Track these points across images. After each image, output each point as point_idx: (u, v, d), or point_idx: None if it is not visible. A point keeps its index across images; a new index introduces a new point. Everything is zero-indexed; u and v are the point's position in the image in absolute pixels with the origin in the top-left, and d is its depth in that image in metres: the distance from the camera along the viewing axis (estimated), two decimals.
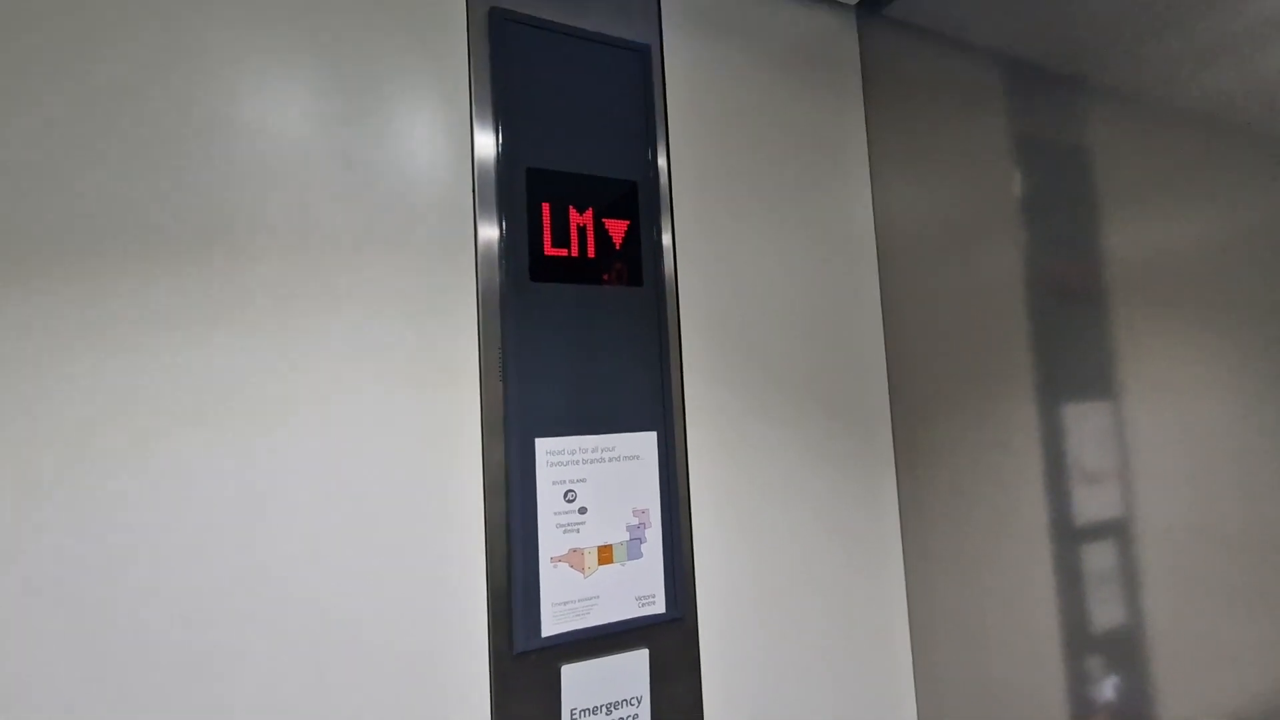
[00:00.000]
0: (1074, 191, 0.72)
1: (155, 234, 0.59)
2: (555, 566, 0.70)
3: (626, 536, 0.74)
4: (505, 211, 0.72)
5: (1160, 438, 0.65)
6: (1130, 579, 0.69)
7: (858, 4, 1.01)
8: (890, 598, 0.92)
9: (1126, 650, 0.69)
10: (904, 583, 0.94)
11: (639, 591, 0.74)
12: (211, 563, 0.58)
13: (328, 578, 0.62)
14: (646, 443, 0.76)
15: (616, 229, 0.78)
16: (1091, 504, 0.72)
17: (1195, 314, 0.62)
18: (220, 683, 0.57)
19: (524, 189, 0.73)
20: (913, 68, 0.94)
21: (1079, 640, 0.74)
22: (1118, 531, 0.70)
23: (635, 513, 0.75)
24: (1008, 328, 0.80)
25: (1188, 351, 0.63)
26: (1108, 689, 0.73)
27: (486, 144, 0.73)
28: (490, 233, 0.72)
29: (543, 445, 0.71)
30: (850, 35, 1.01)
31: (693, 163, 0.86)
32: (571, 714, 0.70)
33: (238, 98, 0.63)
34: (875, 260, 0.98)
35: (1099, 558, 0.72)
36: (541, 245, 0.73)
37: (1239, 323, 0.59)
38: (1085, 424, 0.72)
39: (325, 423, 0.63)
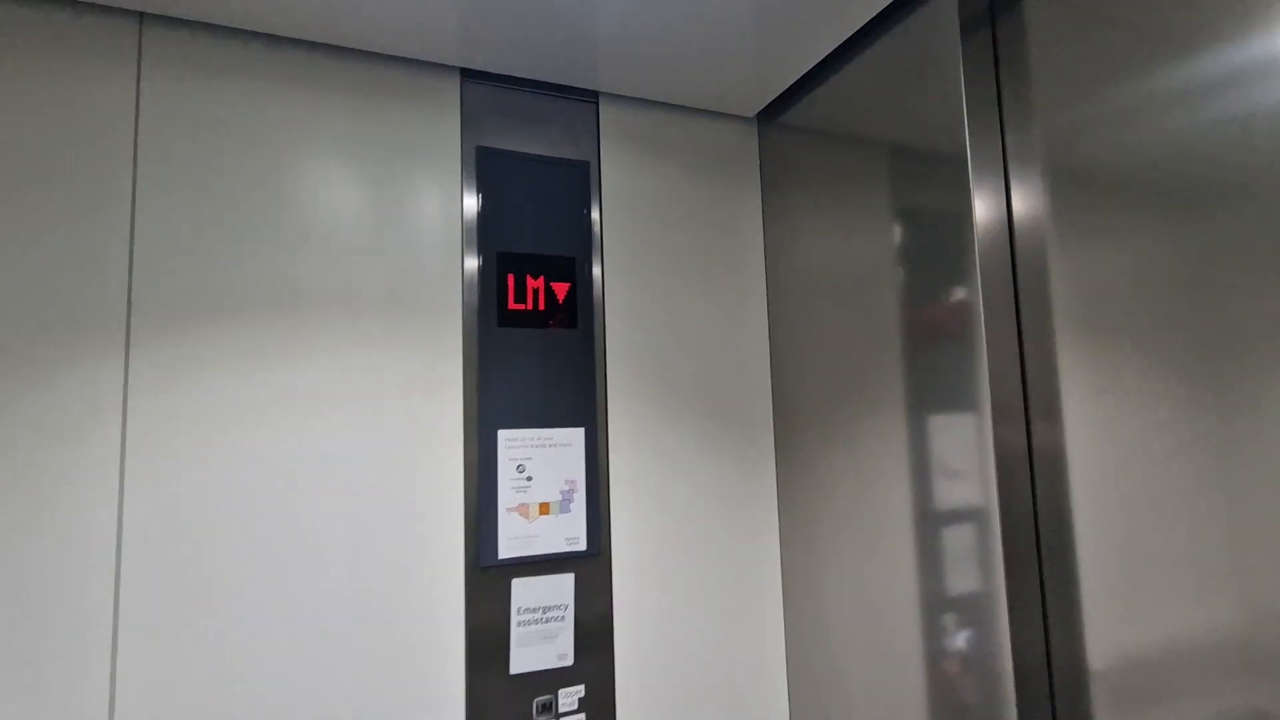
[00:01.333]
0: (937, 247, 0.95)
1: (249, 294, 0.99)
2: (509, 513, 1.06)
3: (559, 498, 1.10)
4: (482, 280, 1.10)
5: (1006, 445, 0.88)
6: (966, 558, 0.93)
7: (757, 115, 1.36)
8: (766, 561, 1.25)
9: (966, 612, 0.98)
10: (778, 546, 1.26)
11: (568, 534, 1.10)
12: (273, 513, 0.96)
13: (354, 521, 1.00)
14: (577, 435, 1.12)
15: (561, 289, 1.15)
16: (936, 496, 0.99)
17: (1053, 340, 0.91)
18: (285, 592, 0.95)
19: (495, 265, 1.11)
20: (800, 158, 1.27)
21: (916, 597, 1.05)
22: (953, 519, 0.93)
23: (567, 482, 1.11)
24: (874, 355, 1.07)
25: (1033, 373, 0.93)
26: (946, 639, 0.93)
27: (471, 235, 1.11)
28: (472, 294, 1.10)
29: (503, 434, 1.08)
30: (751, 140, 1.37)
31: (621, 240, 1.22)
32: (519, 610, 1.06)
33: (309, 202, 1.03)
34: (764, 303, 1.32)
35: (929, 540, 0.97)
36: (506, 302, 1.11)
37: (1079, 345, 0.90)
38: (935, 432, 0.95)
39: (356, 419, 1.01)
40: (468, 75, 1.14)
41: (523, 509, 1.08)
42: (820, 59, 1.17)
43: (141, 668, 0.87)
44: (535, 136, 1.18)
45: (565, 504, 1.10)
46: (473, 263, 1.11)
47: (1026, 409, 0.87)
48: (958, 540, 0.93)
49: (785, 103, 1.30)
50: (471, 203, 1.12)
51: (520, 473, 1.08)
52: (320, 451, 0.98)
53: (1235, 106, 0.69)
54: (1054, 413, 0.85)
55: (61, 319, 0.89)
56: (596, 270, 1.19)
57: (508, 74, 1.16)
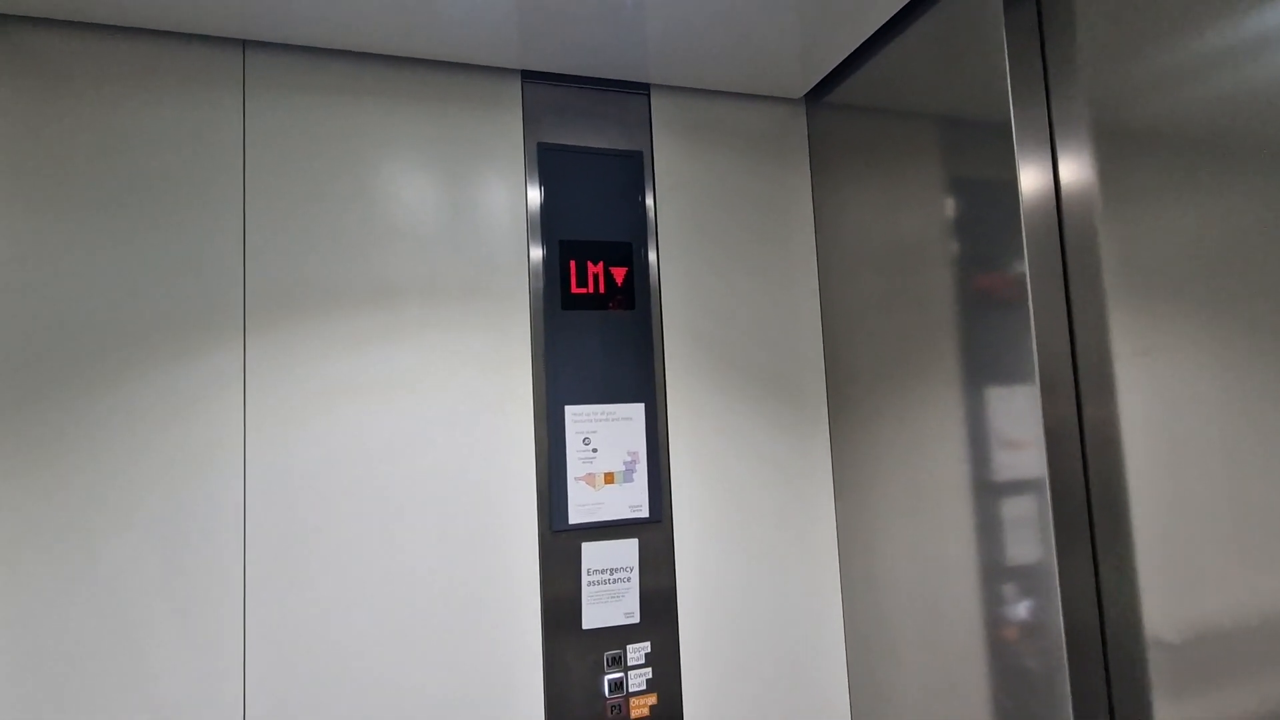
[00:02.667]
0: (985, 217, 0.94)
1: (346, 287, 1.10)
2: (577, 482, 1.15)
3: (623, 468, 1.18)
4: (546, 267, 1.19)
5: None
6: (1019, 527, 0.91)
7: (804, 97, 1.39)
8: (821, 524, 1.30)
9: (1020, 580, 0.98)
10: (833, 512, 1.31)
11: (631, 502, 1.18)
12: (373, 481, 1.08)
13: (440, 489, 1.10)
14: (637, 410, 1.20)
15: (619, 273, 1.23)
16: (988, 465, 1.00)
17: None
18: (384, 552, 1.07)
19: (558, 253, 1.19)
20: (849, 136, 1.30)
21: (970, 564, 1.09)
22: (1006, 490, 0.94)
23: (629, 453, 1.19)
24: (925, 327, 1.09)
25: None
26: (1000, 606, 0.95)
27: (535, 226, 1.20)
28: (537, 280, 1.19)
29: (570, 410, 1.17)
30: (800, 121, 1.40)
31: (675, 225, 1.28)
32: (588, 571, 1.15)
33: (393, 202, 1.14)
34: (816, 280, 1.36)
35: (988, 509, 0.96)
36: (569, 287, 1.19)
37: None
38: (987, 402, 0.97)
39: (439, 395, 1.12)
40: (528, 76, 1.23)
41: (589, 478, 1.16)
42: (866, 38, 1.19)
43: (267, 611, 1.01)
44: (591, 130, 1.25)
45: (628, 474, 1.18)
46: (537, 251, 1.19)
47: (1076, 378, 0.88)
48: (1011, 509, 0.95)
49: (832, 82, 1.33)
50: (535, 195, 1.21)
51: (586, 445, 1.17)
52: (411, 426, 1.10)
53: None
54: (1105, 381, 0.86)
55: (187, 313, 1.03)
56: (652, 254, 1.26)
57: (565, 73, 1.23)
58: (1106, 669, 0.87)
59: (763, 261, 1.33)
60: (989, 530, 0.98)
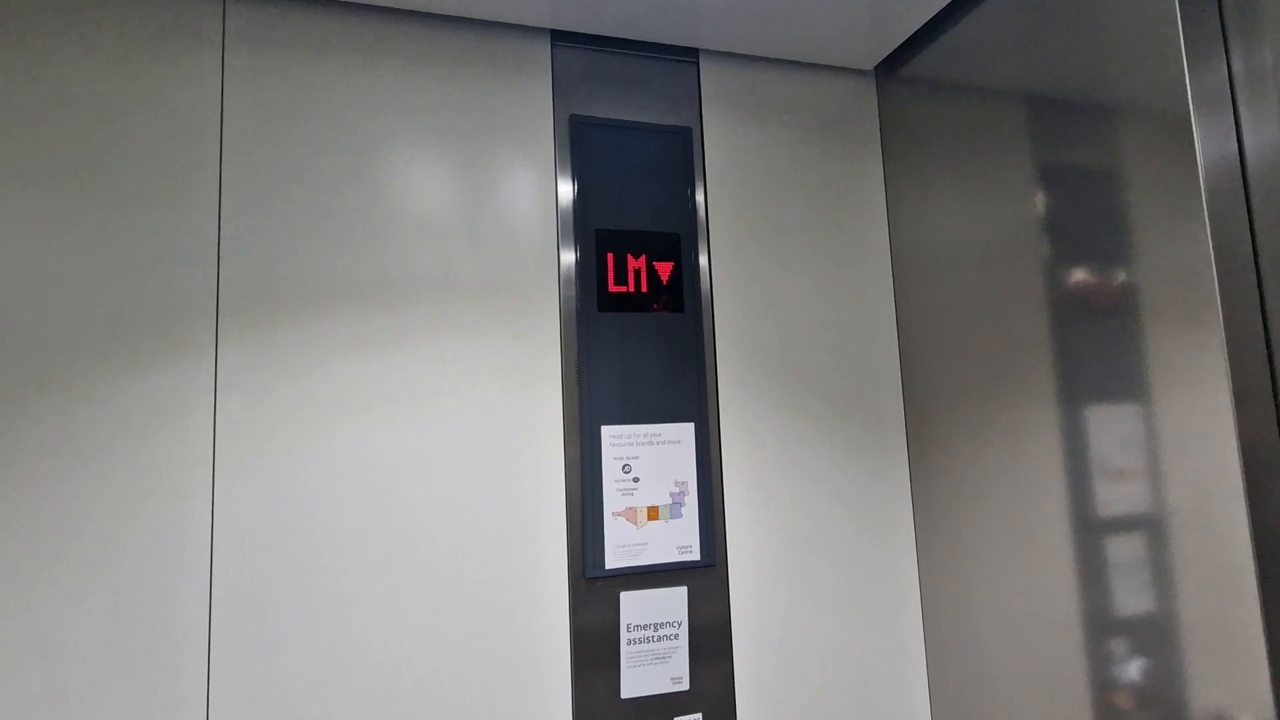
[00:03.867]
0: (1093, 210, 0.81)
1: (338, 282, 0.92)
2: (615, 519, 0.96)
3: (669, 501, 0.98)
4: (580, 262, 1.00)
5: (1179, 437, 0.72)
6: (1132, 572, 0.77)
7: (876, 68, 1.21)
8: (901, 569, 1.10)
9: (1137, 640, 0.81)
10: (915, 557, 1.11)
11: (679, 542, 0.98)
12: (369, 511, 0.89)
13: (451, 521, 0.91)
14: (686, 431, 1.01)
15: (664, 269, 1.04)
16: (1106, 501, 0.81)
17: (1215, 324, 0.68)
18: (376, 590, 0.88)
19: (594, 244, 1.00)
20: (927, 115, 1.11)
21: (1081, 622, 0.89)
22: (1125, 526, 0.78)
23: (676, 483, 0.99)
24: (1020, 335, 0.93)
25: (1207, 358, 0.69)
26: (1105, 670, 0.83)
27: (567, 213, 1.01)
28: (569, 276, 1.00)
29: (607, 431, 0.97)
30: (869, 96, 1.21)
31: (728, 214, 1.09)
32: (628, 628, 0.95)
33: (397, 183, 0.95)
34: (890, 281, 1.16)
35: (1101, 550, 0.81)
36: (606, 285, 1.00)
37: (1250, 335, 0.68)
38: (1101, 426, 0.80)
39: (455, 412, 0.93)
40: (558, 37, 1.04)
41: (630, 513, 0.97)
42: (943, 5, 1.00)
43: (235, 679, 0.81)
44: (632, 102, 1.07)
45: (676, 508, 0.99)
46: (569, 242, 1.00)
47: (1276, 394, 0.68)
48: (1132, 550, 0.76)
49: (909, 52, 1.14)
50: (565, 176, 1.02)
51: (626, 473, 0.97)
52: (414, 448, 0.91)
53: None
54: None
55: (148, 311, 0.84)
56: (702, 248, 1.07)
57: (601, 34, 1.05)
58: None
59: (829, 259, 1.14)
60: (1107, 576, 0.79)
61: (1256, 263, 0.70)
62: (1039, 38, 0.89)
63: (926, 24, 1.09)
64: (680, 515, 0.99)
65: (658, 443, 0.99)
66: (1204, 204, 0.70)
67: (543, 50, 1.03)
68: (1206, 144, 0.70)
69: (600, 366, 0.98)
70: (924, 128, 1.12)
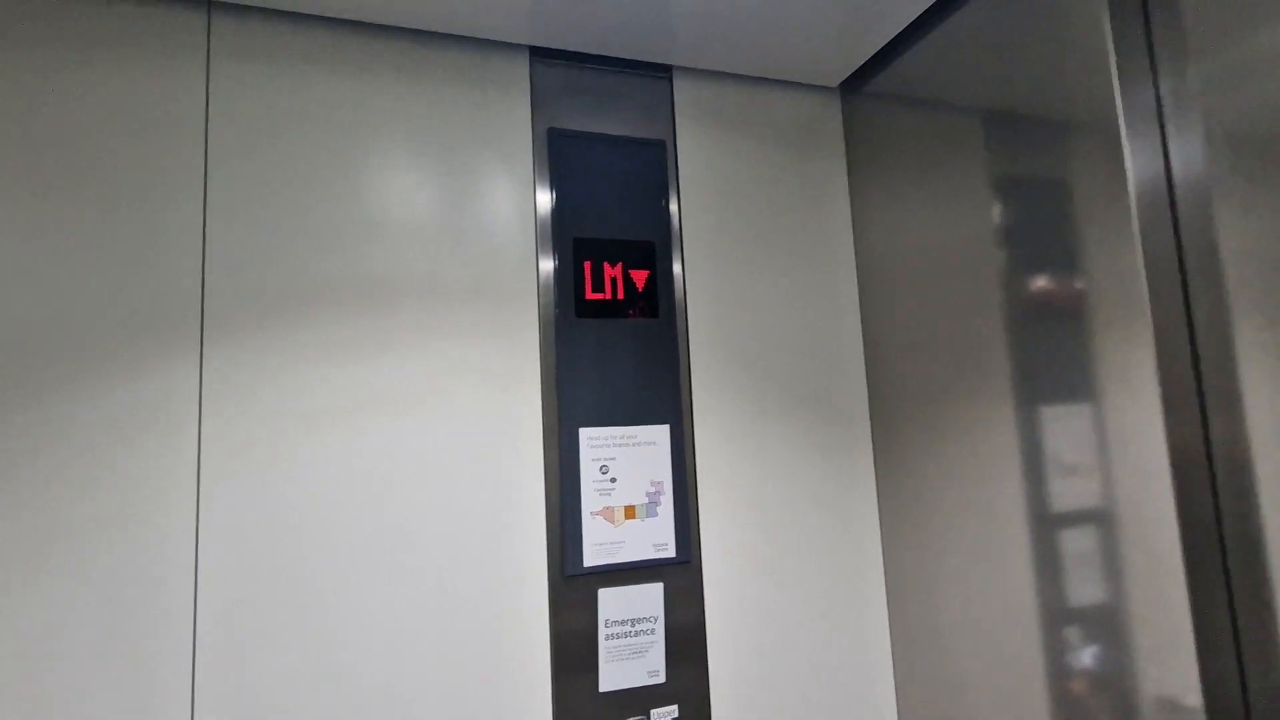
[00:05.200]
0: (1043, 220, 0.86)
1: (323, 288, 0.94)
2: (593, 518, 0.99)
3: (646, 500, 1.02)
4: (559, 269, 1.03)
5: (1119, 436, 0.77)
6: (1083, 563, 0.82)
7: (840, 85, 1.26)
8: (867, 563, 1.15)
9: (1089, 628, 0.88)
10: (880, 552, 1.16)
11: (655, 540, 1.02)
12: (355, 516, 0.91)
13: (434, 521, 0.94)
14: (661, 433, 1.04)
15: (640, 276, 1.07)
16: (1058, 495, 0.86)
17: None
18: (364, 598, 0.90)
19: (571, 252, 1.04)
20: (889, 129, 1.17)
21: (1037, 612, 0.94)
22: (1080, 519, 0.83)
23: (652, 483, 1.03)
24: (978, 338, 0.98)
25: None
26: (1061, 658, 0.89)
27: (546, 222, 1.05)
28: (548, 283, 1.03)
29: (585, 433, 1.01)
30: (834, 111, 1.27)
31: (701, 223, 1.14)
32: (606, 623, 0.98)
33: (380, 191, 0.98)
34: (856, 287, 1.22)
35: (1054, 543, 0.86)
36: (584, 291, 1.03)
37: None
38: (1053, 424, 0.85)
39: (438, 416, 0.95)
40: (537, 54, 1.08)
41: (607, 513, 1.00)
42: (911, 20, 1.06)
43: (221, 668, 0.83)
44: (608, 116, 1.11)
45: (652, 507, 1.02)
46: (548, 250, 1.04)
47: (1201, 397, 0.74)
48: (1082, 543, 0.82)
49: (872, 70, 1.20)
50: (544, 186, 1.05)
51: (604, 474, 1.01)
52: (397, 452, 0.93)
53: None
54: (1233, 401, 0.73)
55: (133, 316, 0.86)
56: (676, 256, 1.11)
57: (578, 50, 1.09)
58: None
59: (798, 265, 1.19)
60: (1061, 569, 0.85)
61: (1183, 274, 0.76)
62: (991, 58, 0.95)
63: (887, 45, 1.15)
64: (656, 514, 1.02)
65: (635, 444, 1.02)
66: (1134, 217, 0.76)
67: (522, 66, 1.07)
68: (1136, 160, 0.77)
69: (578, 371, 1.01)
70: (886, 141, 1.18)
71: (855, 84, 1.24)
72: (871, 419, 1.19)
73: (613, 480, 1.01)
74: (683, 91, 1.16)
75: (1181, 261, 0.76)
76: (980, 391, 0.98)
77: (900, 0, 1.01)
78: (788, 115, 1.23)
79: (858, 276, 1.23)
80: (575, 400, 1.01)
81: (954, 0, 1.01)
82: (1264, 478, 0.70)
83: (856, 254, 1.23)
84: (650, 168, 1.11)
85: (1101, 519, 0.81)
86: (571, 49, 1.08)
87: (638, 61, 1.13)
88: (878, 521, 1.17)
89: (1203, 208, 0.75)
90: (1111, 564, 0.80)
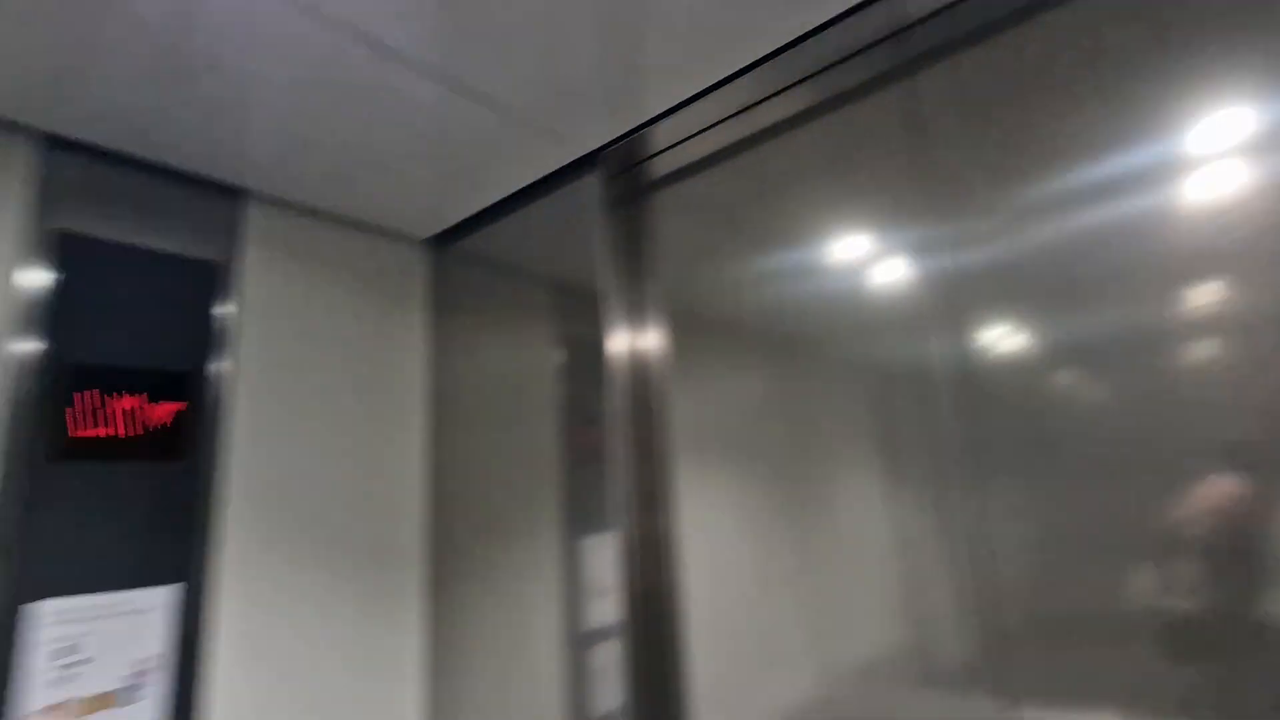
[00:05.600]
0: (586, 376, 1.04)
1: None
2: (42, 715, 0.78)
3: (125, 685, 0.85)
4: (28, 401, 0.85)
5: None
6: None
7: (429, 239, 1.36)
8: (406, 708, 1.13)
9: None
10: (420, 678, 1.16)
11: None
12: None
13: None
14: (158, 597, 0.90)
15: (165, 410, 0.95)
16: (596, 612, 1.01)
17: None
18: None
19: (60, 379, 0.87)
20: (471, 284, 1.28)
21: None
22: (591, 637, 0.99)
23: (136, 661, 0.87)
24: (534, 479, 1.10)
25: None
26: None
27: (26, 336, 0.86)
28: (17, 416, 0.83)
29: (48, 606, 0.81)
30: (419, 261, 1.35)
31: (261, 358, 1.06)
32: None
33: None
34: (423, 432, 1.27)
35: (599, 654, 0.99)
36: (67, 429, 0.86)
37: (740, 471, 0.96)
38: (583, 551, 1.02)
39: None
40: (55, 143, 0.92)
41: (60, 709, 0.80)
42: (491, 202, 1.22)
43: None
44: (150, 228, 0.99)
45: (133, 691, 0.85)
46: (21, 374, 0.85)
47: (656, 529, 0.96)
48: (601, 656, 0.97)
49: (460, 232, 1.32)
50: (37, 296, 0.87)
51: (66, 657, 0.81)
52: None
53: (795, 289, 0.90)
54: (671, 533, 0.96)
55: None
56: (222, 387, 1.01)
57: (115, 148, 0.96)
58: None
59: (366, 408, 1.19)
60: (580, 679, 0.99)
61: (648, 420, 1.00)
62: (557, 241, 1.16)
63: (477, 213, 1.29)
64: (140, 699, 0.86)
65: (116, 614, 0.86)
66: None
67: (25, 150, 0.90)
68: (614, 336, 0.99)
69: (47, 530, 0.82)
70: (469, 295, 1.29)
71: (444, 241, 1.35)
72: (431, 558, 1.22)
73: (86, 661, 0.82)
74: (257, 217, 1.11)
75: (641, 417, 1.00)
76: (530, 527, 1.10)
77: (483, 184, 1.15)
78: (372, 259, 1.26)
79: (431, 421, 1.28)
80: (34, 568, 0.81)
81: (528, 195, 1.19)
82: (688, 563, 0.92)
83: (432, 399, 1.29)
84: (199, 290, 1.01)
85: (599, 634, 0.97)
86: (105, 144, 0.95)
87: (199, 176, 1.05)
88: (422, 661, 1.17)
89: (660, 380, 1.01)
90: (596, 672, 0.95)
